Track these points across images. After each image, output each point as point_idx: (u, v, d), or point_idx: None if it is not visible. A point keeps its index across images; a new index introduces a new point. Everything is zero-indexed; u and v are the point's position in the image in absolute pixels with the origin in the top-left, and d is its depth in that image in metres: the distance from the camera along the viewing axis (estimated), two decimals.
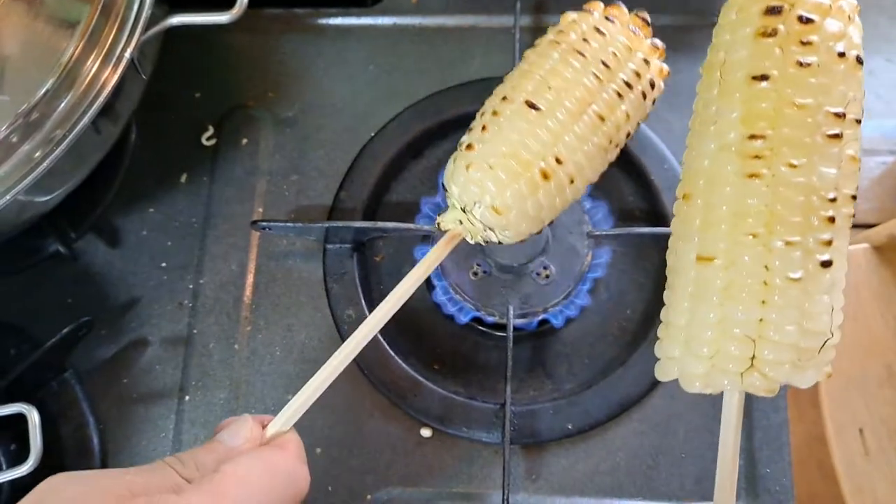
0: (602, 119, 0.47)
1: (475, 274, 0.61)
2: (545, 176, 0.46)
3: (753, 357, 0.37)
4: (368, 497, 0.58)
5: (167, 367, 0.62)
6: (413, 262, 0.63)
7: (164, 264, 0.65)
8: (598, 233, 0.60)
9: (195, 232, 0.66)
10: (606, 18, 0.50)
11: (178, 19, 0.51)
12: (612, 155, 0.51)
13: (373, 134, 0.67)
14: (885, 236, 1.10)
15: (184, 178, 0.67)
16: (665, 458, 0.58)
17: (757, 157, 0.36)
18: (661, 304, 0.41)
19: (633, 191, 0.66)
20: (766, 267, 0.36)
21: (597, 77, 0.48)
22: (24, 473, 0.49)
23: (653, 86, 0.51)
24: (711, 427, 0.59)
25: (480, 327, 0.63)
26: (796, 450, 1.22)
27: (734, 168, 0.37)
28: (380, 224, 0.61)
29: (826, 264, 0.36)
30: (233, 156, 0.68)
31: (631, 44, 0.50)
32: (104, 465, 0.60)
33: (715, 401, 0.59)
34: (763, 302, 0.36)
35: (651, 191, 0.65)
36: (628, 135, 0.51)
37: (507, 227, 0.47)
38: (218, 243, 0.65)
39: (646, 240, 0.64)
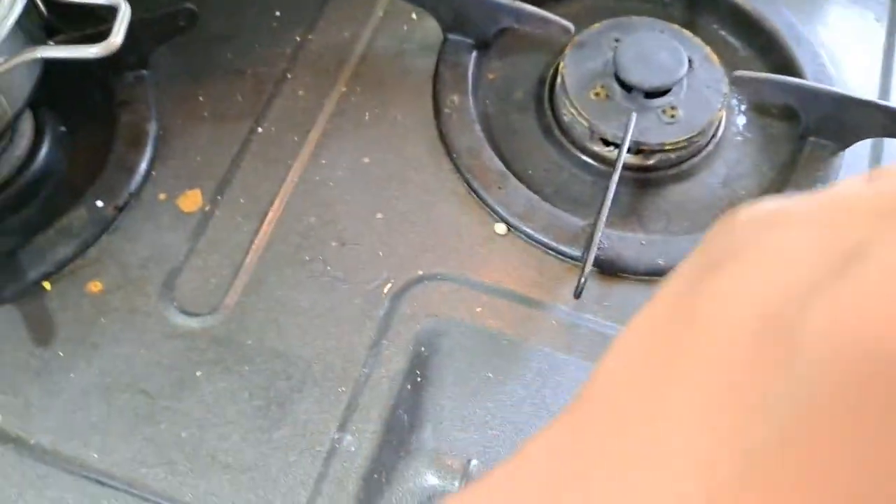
0: None
1: (597, 94, 0.56)
2: None
3: None
4: (420, 273, 0.52)
5: (248, 99, 0.58)
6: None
7: (277, 13, 0.62)
8: (742, 75, 0.55)
9: None
10: None
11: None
12: None
13: None
14: None
15: None
16: None
17: None
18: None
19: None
20: None
21: None
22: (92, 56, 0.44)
23: None
24: None
25: (585, 158, 0.58)
26: None
27: None
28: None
29: None
30: None
31: None
32: (151, 164, 0.55)
33: None
34: None
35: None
36: None
37: None
38: (339, 9, 0.62)
39: (779, 131, 0.59)
